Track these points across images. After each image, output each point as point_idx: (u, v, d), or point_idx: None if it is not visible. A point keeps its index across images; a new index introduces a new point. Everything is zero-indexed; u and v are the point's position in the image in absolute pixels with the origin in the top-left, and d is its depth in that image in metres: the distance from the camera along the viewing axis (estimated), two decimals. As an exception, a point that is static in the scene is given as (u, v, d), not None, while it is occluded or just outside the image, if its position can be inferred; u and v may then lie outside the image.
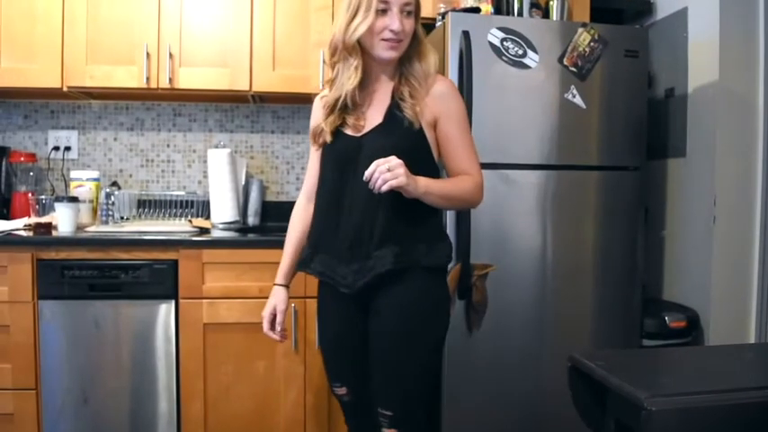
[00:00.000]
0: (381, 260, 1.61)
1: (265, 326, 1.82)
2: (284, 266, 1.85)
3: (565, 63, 2.34)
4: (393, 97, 1.68)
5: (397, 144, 1.60)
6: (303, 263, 1.76)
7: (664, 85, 2.70)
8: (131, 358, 2.36)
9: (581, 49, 2.35)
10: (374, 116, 1.68)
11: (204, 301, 2.35)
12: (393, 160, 1.50)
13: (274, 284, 1.84)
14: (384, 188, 1.48)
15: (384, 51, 1.64)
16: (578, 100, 2.36)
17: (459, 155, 1.70)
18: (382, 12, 1.61)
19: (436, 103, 1.68)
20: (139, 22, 2.60)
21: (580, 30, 2.36)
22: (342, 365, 1.78)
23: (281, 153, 3.08)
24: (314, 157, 1.83)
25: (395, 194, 1.55)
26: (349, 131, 1.68)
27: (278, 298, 1.83)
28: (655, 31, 2.74)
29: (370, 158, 1.53)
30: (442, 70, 2.31)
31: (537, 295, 2.36)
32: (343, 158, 1.67)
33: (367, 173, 1.49)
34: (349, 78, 1.66)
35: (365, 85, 1.70)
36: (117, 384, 2.36)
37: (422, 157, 1.66)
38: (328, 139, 1.69)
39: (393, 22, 1.60)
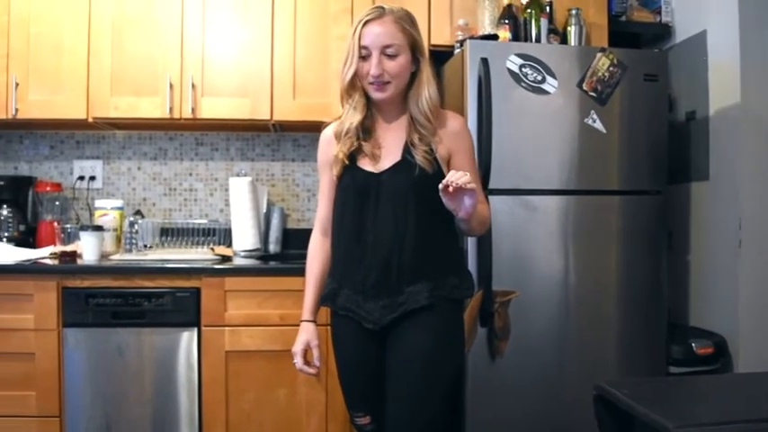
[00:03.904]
0: (415, 296, 1.63)
1: (299, 361, 1.79)
2: (309, 302, 1.83)
3: (584, 88, 2.35)
4: (409, 133, 1.70)
5: (416, 181, 1.64)
6: (328, 297, 1.76)
7: (684, 109, 2.69)
8: (154, 386, 2.37)
9: (600, 73, 2.36)
10: (392, 151, 1.70)
11: (226, 328, 2.36)
12: (466, 174, 1.53)
13: (302, 321, 1.83)
14: (463, 180, 1.49)
15: (373, 93, 1.68)
16: (598, 125, 2.35)
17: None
18: (365, 57, 1.65)
19: (451, 139, 1.72)
20: (162, 54, 2.66)
21: (599, 55, 2.36)
22: (365, 394, 1.76)
23: (302, 181, 3.11)
24: (325, 189, 1.83)
25: (419, 228, 1.61)
26: (367, 167, 1.70)
27: (309, 333, 1.81)
28: (674, 55, 2.73)
29: (391, 195, 1.62)
30: (460, 97, 2.33)
31: (560, 322, 2.34)
32: (363, 194, 1.68)
33: (450, 176, 1.50)
34: (354, 115, 1.71)
35: (378, 117, 1.75)
36: (140, 412, 2.36)
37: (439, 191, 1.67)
38: (346, 163, 1.70)
39: (371, 66, 1.64)
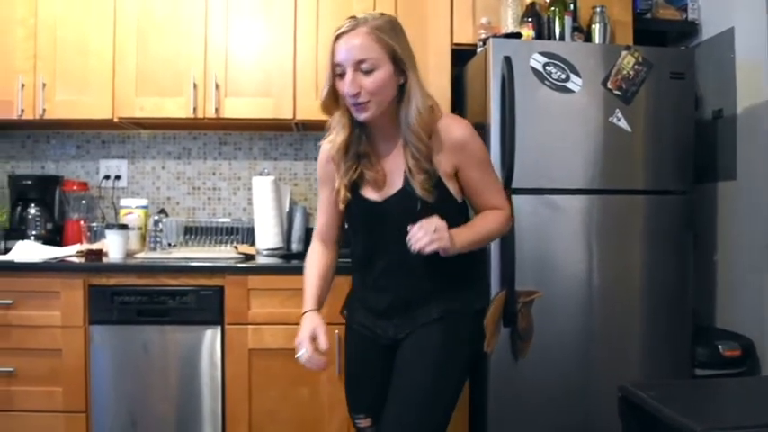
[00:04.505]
0: (427, 312, 1.62)
1: (308, 349, 1.61)
2: (310, 294, 1.72)
3: (609, 87, 2.32)
4: (406, 157, 1.59)
5: (421, 209, 1.56)
6: (347, 307, 1.79)
7: (711, 107, 2.65)
8: (178, 383, 2.40)
9: (625, 72, 2.33)
10: (394, 177, 1.62)
11: (249, 326, 2.38)
12: (437, 221, 1.47)
13: (304, 312, 1.70)
14: (429, 249, 1.44)
15: (354, 114, 1.57)
16: (623, 123, 2.33)
17: (486, 196, 1.67)
18: (341, 75, 1.53)
19: (455, 153, 1.59)
20: (186, 55, 2.68)
21: (624, 53, 2.34)
22: (368, 399, 1.75)
23: (324, 179, 3.11)
24: (324, 204, 1.77)
25: (434, 254, 1.52)
26: (371, 195, 1.64)
27: (314, 321, 1.66)
28: (700, 52, 2.69)
29: (397, 222, 1.53)
30: (483, 97, 2.32)
31: (583, 322, 2.32)
32: (370, 224, 1.66)
33: (411, 235, 1.45)
34: (340, 134, 1.62)
35: (376, 136, 1.65)
36: (164, 408, 2.39)
37: (447, 209, 1.60)
38: (348, 197, 1.64)
39: (344, 85, 1.52)
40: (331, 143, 1.65)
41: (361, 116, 1.54)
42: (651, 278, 2.36)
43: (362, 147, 1.63)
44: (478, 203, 1.68)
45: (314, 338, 1.63)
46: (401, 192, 1.59)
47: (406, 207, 1.57)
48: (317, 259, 1.78)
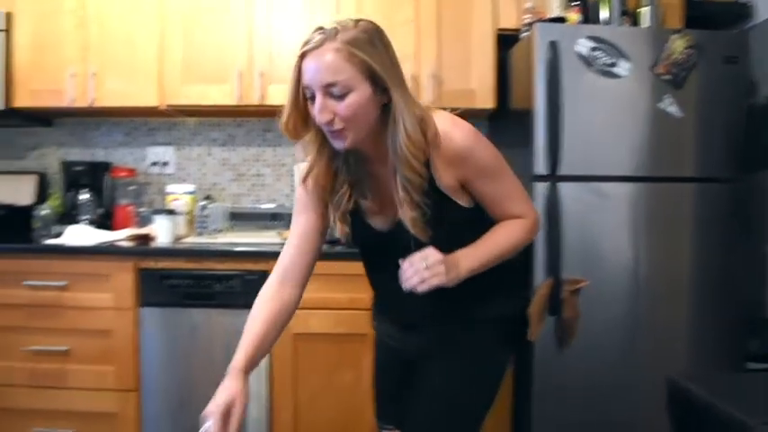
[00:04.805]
0: (452, 329, 1.49)
1: (215, 428, 1.27)
2: (245, 348, 1.41)
3: (658, 71, 2.27)
4: (396, 189, 1.37)
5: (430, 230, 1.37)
6: (375, 317, 1.67)
7: (765, 92, 2.56)
8: (224, 365, 2.43)
9: (675, 56, 2.27)
10: (391, 206, 1.40)
11: (299, 311, 2.39)
12: (430, 256, 1.27)
13: (230, 368, 1.38)
14: (421, 288, 1.26)
15: (331, 141, 1.33)
16: (673, 109, 2.27)
17: (505, 206, 1.43)
18: (311, 98, 1.29)
19: (456, 166, 1.35)
20: (232, 43, 2.71)
21: (673, 36, 2.28)
22: (393, 406, 1.64)
23: (366, 166, 3.12)
24: (294, 234, 1.51)
25: None
26: (374, 222, 1.45)
27: (233, 389, 1.33)
28: (754, 35, 2.60)
29: (405, 250, 1.32)
30: (528, 83, 2.29)
31: (630, 313, 2.28)
32: (378, 250, 1.48)
33: (402, 273, 1.27)
34: (316, 161, 1.40)
35: (367, 157, 1.41)
36: (211, 390, 2.41)
37: (457, 225, 1.41)
38: (347, 231, 1.45)
39: (316, 112, 1.28)
40: (310, 173, 1.42)
41: (340, 145, 1.32)
42: (700, 268, 2.31)
43: (353, 169, 1.42)
44: (497, 214, 1.44)
45: (227, 414, 1.30)
46: (400, 222, 1.38)
47: (411, 235, 1.35)
48: (265, 303, 1.47)
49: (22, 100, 2.75)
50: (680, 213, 2.32)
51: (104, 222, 2.89)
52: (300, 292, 1.53)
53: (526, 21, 2.55)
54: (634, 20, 2.52)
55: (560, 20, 2.41)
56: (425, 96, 2.64)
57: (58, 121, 3.13)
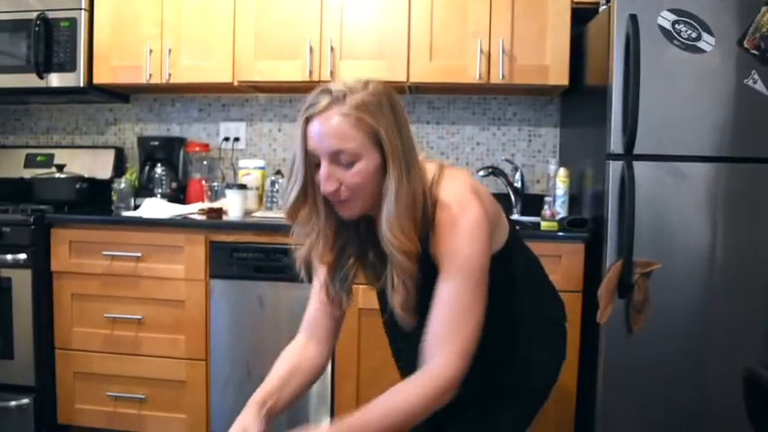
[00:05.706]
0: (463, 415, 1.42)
1: None
2: (270, 382, 1.39)
3: (745, 46, 2.15)
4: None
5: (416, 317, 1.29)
6: None
7: None
8: (289, 336, 2.48)
9: (764, 29, 2.15)
10: None
11: (360, 286, 2.41)
12: None
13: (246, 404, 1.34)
14: None
15: (336, 209, 1.27)
16: (760, 86, 2.15)
17: (436, 318, 1.22)
18: (317, 165, 1.22)
19: (437, 238, 1.23)
20: (303, 19, 2.72)
21: (764, 9, 2.15)
22: None
23: (436, 143, 3.10)
24: (317, 289, 1.45)
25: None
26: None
27: (248, 419, 1.30)
28: None
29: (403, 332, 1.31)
30: (606, 58, 2.21)
31: (704, 297, 2.19)
32: (388, 325, 1.46)
33: None
34: (319, 238, 1.32)
35: (369, 225, 1.33)
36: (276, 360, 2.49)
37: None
38: (349, 303, 1.43)
39: (320, 179, 1.21)
40: (312, 253, 1.36)
41: (347, 215, 1.26)
42: (782, 253, 2.19)
43: (364, 239, 1.35)
44: (429, 323, 1.24)
45: None
46: None
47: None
48: (293, 352, 1.44)
49: (103, 77, 2.85)
50: (762, 196, 2.20)
51: (178, 196, 2.99)
52: (327, 348, 1.47)
53: (604, -7, 2.46)
54: (720, -8, 2.39)
55: (640, -8, 2.31)
56: (497, 72, 2.60)
57: (135, 96, 3.24)
